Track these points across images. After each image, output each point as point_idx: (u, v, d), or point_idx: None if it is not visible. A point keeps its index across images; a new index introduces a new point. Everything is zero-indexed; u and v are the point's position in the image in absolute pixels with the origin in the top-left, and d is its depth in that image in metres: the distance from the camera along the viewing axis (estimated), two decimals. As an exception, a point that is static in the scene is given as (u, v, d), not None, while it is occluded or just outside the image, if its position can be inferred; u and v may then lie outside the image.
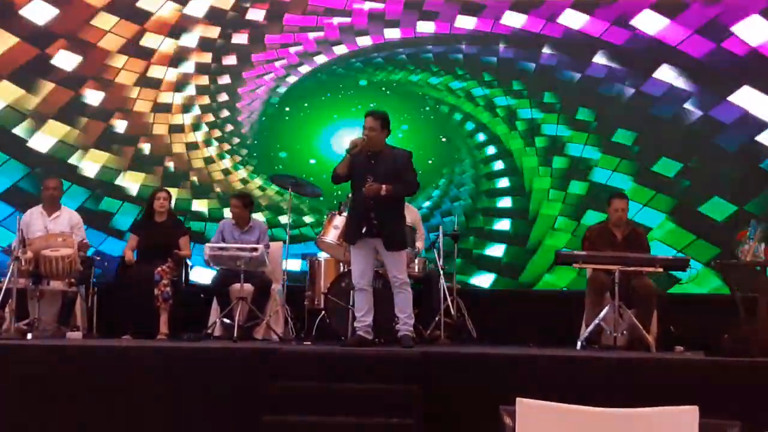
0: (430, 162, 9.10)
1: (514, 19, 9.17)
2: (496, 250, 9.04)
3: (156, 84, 9.33)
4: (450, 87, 9.22)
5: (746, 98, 8.83)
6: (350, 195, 7.40)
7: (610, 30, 9.05)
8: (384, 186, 6.49)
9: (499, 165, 9.14)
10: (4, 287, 7.00)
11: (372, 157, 6.62)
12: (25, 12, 9.29)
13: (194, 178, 9.27)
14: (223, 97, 9.36)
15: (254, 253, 7.28)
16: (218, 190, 9.23)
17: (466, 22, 9.22)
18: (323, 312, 7.54)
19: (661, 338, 7.25)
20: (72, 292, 7.45)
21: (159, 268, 7.46)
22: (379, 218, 6.56)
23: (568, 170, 9.04)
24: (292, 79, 9.32)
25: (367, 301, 6.66)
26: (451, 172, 9.16)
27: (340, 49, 9.28)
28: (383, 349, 6.52)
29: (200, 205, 9.23)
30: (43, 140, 9.22)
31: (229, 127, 9.34)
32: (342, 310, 7.21)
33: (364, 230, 6.57)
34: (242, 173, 9.27)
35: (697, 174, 8.88)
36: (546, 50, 9.11)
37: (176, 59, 9.36)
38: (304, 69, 9.32)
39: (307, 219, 9.12)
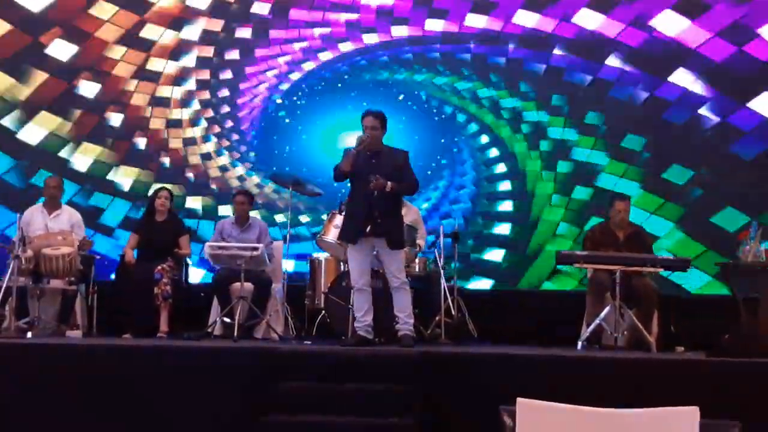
0: (433, 165, 9.04)
1: (526, 18, 8.97)
2: (495, 255, 8.95)
3: (155, 77, 9.16)
4: (455, 87, 9.09)
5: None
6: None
7: (626, 31, 8.84)
8: (389, 183, 6.51)
9: (501, 168, 9.03)
10: (4, 285, 6.98)
11: (372, 156, 6.64)
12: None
13: (190, 175, 9.16)
14: (224, 92, 9.23)
15: (255, 252, 7.27)
16: (214, 186, 9.14)
17: (476, 21, 9.04)
18: (324, 311, 7.54)
19: (662, 338, 7.23)
20: (72, 291, 7.44)
21: (159, 267, 7.45)
22: (382, 216, 6.56)
23: (572, 175, 8.91)
24: (295, 76, 9.20)
25: (366, 300, 6.66)
26: (452, 174, 9.05)
27: (346, 46, 9.15)
28: (383, 349, 6.52)
29: (194, 202, 9.11)
30: (33, 132, 9.02)
31: (229, 123, 9.21)
32: (342, 309, 7.19)
33: (368, 229, 6.57)
34: (240, 170, 9.17)
35: (709, 182, 8.68)
36: (557, 51, 8.93)
37: (177, 52, 9.20)
38: (308, 66, 9.19)
39: (304, 218, 9.05)
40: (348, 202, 6.88)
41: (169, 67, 9.18)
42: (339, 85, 9.21)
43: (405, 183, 6.66)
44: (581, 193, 8.87)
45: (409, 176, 6.72)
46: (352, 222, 6.72)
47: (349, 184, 6.88)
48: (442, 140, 9.13)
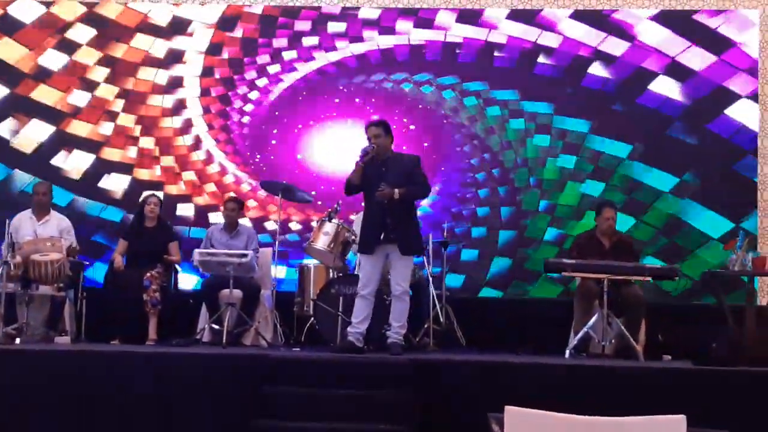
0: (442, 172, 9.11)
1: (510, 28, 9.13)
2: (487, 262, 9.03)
3: (159, 90, 9.31)
4: (443, 95, 9.15)
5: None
6: (340, 202, 7.45)
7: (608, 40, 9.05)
8: (396, 190, 6.54)
9: (490, 175, 9.08)
10: (-8, 291, 6.98)
11: (382, 164, 6.67)
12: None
13: (190, 181, 9.19)
14: (220, 99, 9.27)
15: (243, 259, 7.28)
16: (211, 193, 9.13)
17: (462, 31, 9.17)
18: (312, 318, 7.54)
19: (649, 347, 7.26)
20: (61, 297, 7.43)
21: (148, 274, 7.44)
22: (394, 223, 6.59)
23: (558, 181, 9.01)
24: (287, 84, 9.24)
25: (366, 308, 6.65)
26: (445, 181, 9.07)
27: (342, 54, 9.24)
28: (372, 356, 6.53)
29: (185, 210, 9.14)
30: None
31: (224, 133, 9.23)
32: (331, 316, 7.21)
33: (382, 237, 6.60)
34: (242, 180, 9.16)
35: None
36: (542, 60, 9.07)
37: (176, 59, 9.33)
38: (301, 73, 9.23)
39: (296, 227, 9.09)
40: (363, 212, 6.89)
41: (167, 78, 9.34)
42: (337, 91, 9.25)
43: (414, 187, 6.69)
44: (567, 199, 8.99)
45: (419, 180, 6.75)
46: (367, 232, 6.73)
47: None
48: (457, 149, 9.15)
